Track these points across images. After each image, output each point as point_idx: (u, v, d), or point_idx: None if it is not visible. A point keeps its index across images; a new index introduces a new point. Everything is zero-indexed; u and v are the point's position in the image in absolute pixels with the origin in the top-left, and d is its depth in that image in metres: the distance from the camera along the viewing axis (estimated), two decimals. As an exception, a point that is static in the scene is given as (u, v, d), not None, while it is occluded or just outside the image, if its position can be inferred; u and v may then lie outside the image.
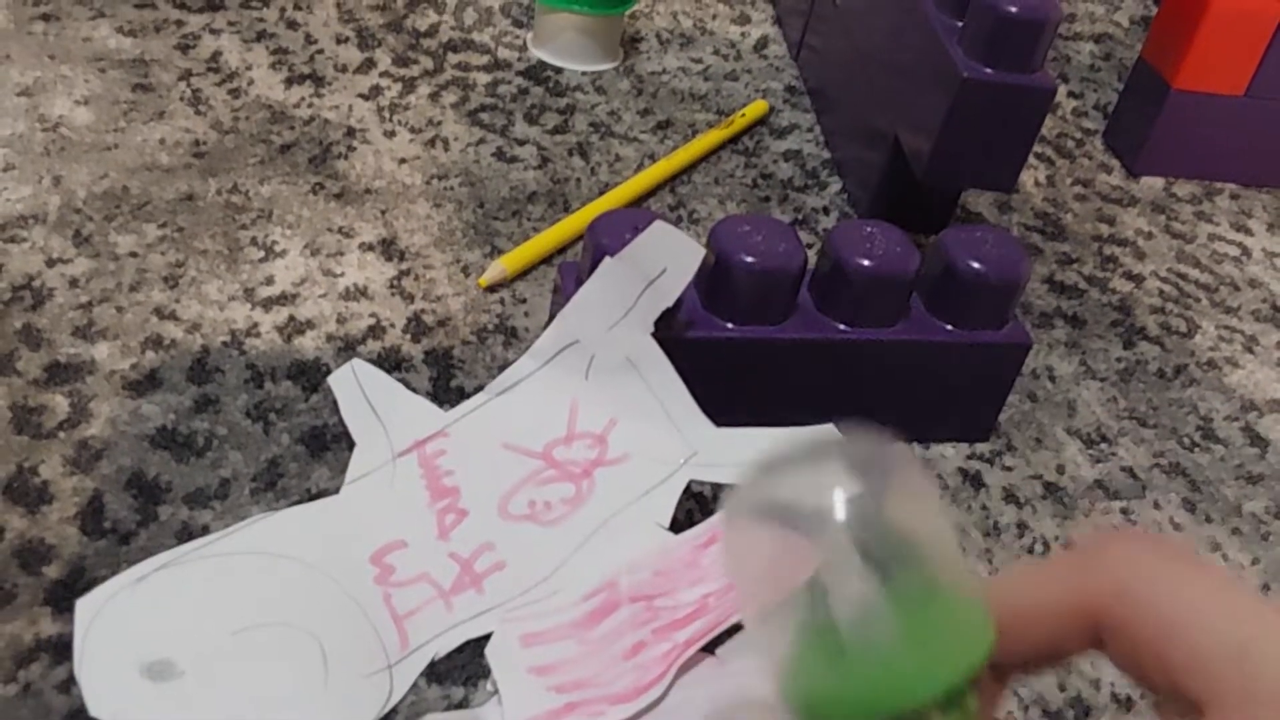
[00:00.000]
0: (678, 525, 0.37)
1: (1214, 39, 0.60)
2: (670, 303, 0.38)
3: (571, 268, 0.42)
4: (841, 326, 0.41)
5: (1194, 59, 0.61)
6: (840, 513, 0.23)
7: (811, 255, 0.50)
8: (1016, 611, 0.22)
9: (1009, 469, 0.44)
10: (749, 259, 0.39)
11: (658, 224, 0.38)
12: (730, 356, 0.40)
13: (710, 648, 0.34)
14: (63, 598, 0.33)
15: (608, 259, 0.38)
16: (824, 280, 0.41)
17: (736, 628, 0.34)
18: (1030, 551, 0.41)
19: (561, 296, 0.41)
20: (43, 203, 0.47)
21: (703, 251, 0.38)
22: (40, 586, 0.34)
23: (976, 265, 0.41)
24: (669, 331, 0.39)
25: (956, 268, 0.41)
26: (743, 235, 0.40)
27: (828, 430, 0.26)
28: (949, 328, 0.42)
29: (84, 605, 0.33)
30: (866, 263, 0.40)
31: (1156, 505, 0.44)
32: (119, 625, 0.32)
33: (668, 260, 0.38)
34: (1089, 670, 0.37)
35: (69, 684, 0.31)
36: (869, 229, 0.42)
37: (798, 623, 0.23)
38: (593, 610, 0.34)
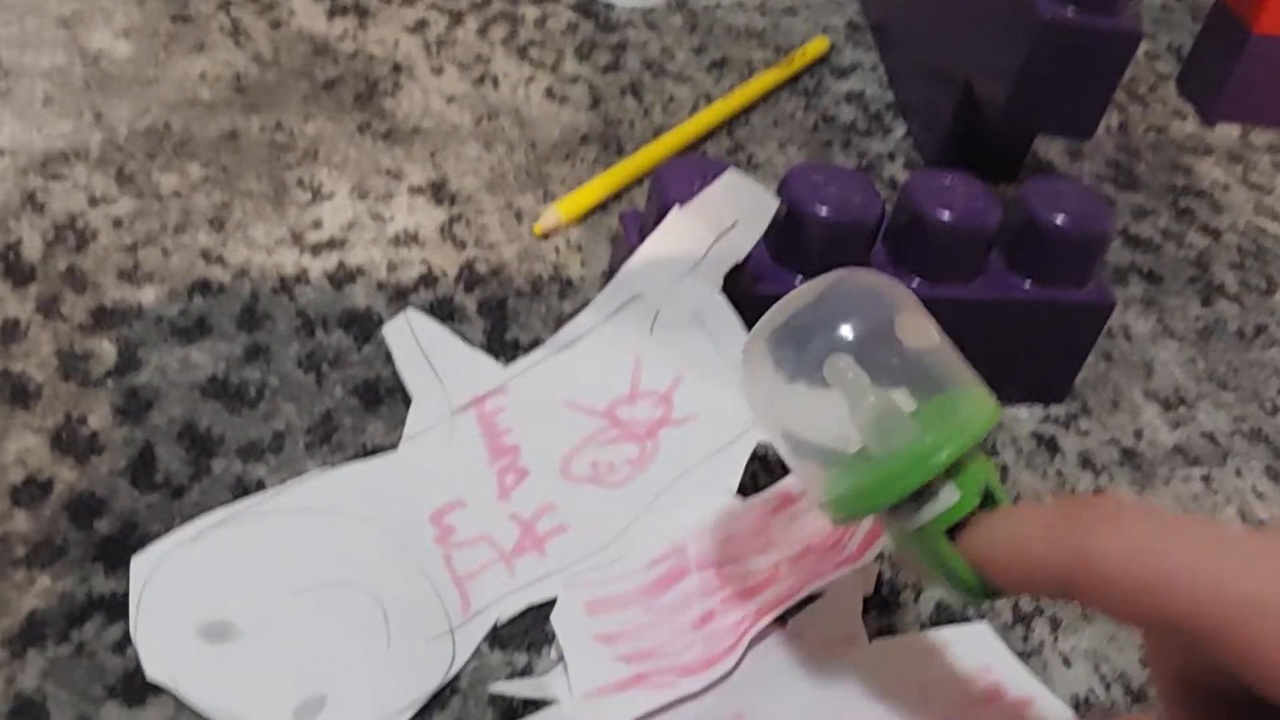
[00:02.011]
0: (745, 489, 0.36)
1: (1303, -20, 0.57)
2: (741, 257, 0.36)
3: (634, 217, 0.40)
4: (917, 282, 0.39)
5: (1277, 2, 0.58)
6: (849, 333, 0.27)
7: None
8: (1000, 550, 0.25)
9: (1085, 433, 0.42)
10: (823, 210, 0.37)
11: (730, 173, 0.36)
12: (801, 313, 0.38)
13: (782, 619, 0.33)
14: (115, 554, 0.32)
15: (675, 209, 0.37)
16: (900, 233, 0.39)
17: (810, 599, 0.33)
18: (1108, 520, 0.39)
19: (624, 247, 0.39)
20: (84, 139, 0.45)
21: (777, 203, 0.36)
22: (91, 542, 0.33)
23: (1060, 219, 0.39)
24: (737, 285, 0.37)
25: (1039, 221, 0.39)
26: (816, 185, 0.38)
27: (839, 273, 0.29)
28: (1028, 285, 0.40)
29: (139, 563, 0.32)
30: (946, 215, 0.38)
31: (1238, 473, 0.42)
32: (175, 584, 0.31)
33: (739, 212, 0.36)
34: (1171, 646, 0.36)
35: (124, 644, 0.30)
36: (948, 179, 0.39)
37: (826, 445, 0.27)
38: (660, 577, 0.33)
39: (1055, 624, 0.35)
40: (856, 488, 0.26)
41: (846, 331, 0.27)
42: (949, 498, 0.25)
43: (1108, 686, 0.34)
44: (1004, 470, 0.40)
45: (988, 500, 0.26)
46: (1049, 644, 0.35)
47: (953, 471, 0.25)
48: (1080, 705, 0.33)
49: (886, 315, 0.27)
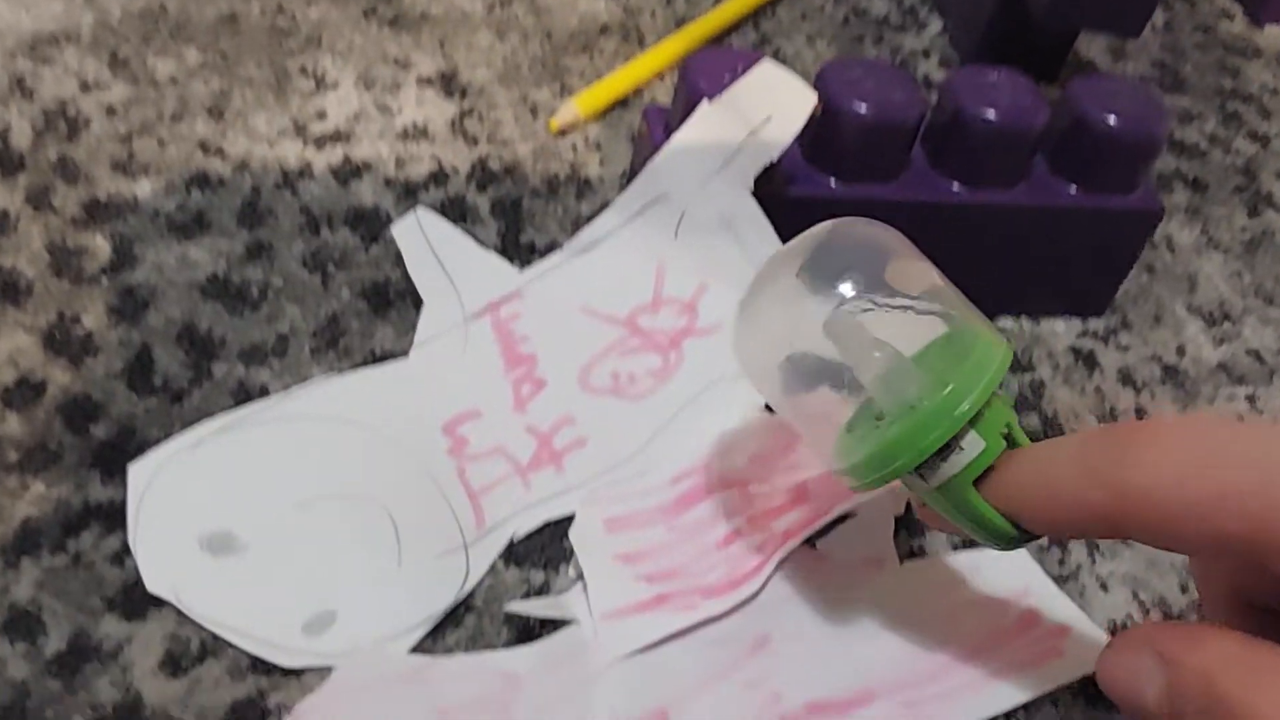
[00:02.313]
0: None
1: None
2: (776, 155, 0.34)
3: (659, 112, 0.37)
4: (956, 186, 0.37)
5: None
6: (848, 290, 0.25)
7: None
8: (1032, 491, 0.24)
9: (1125, 349, 0.40)
10: (862, 107, 0.35)
11: (765, 64, 0.34)
12: (835, 217, 0.36)
13: (810, 541, 0.31)
14: (112, 460, 0.31)
15: (705, 103, 0.34)
16: (940, 133, 0.37)
17: (838, 520, 0.32)
18: (1148, 440, 0.37)
19: (648, 145, 0.36)
20: (75, 20, 0.42)
21: (815, 97, 0.34)
22: (87, 447, 0.31)
23: (1112, 120, 0.37)
24: (767, 187, 0.35)
25: (1089, 122, 0.37)
26: (855, 80, 0.35)
27: (821, 228, 0.28)
28: (1074, 190, 0.38)
29: (137, 471, 0.30)
30: (991, 114, 0.36)
31: (1284, 393, 0.40)
32: (175, 493, 0.30)
33: (775, 106, 0.34)
34: (1210, 572, 0.34)
35: (123, 555, 0.29)
36: (993, 76, 0.37)
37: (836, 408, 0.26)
38: (682, 495, 0.32)
39: (1093, 548, 0.34)
40: (876, 452, 0.25)
41: (843, 288, 0.26)
42: (974, 447, 0.24)
43: (1146, 612, 0.33)
44: (1040, 386, 0.38)
45: (1009, 443, 0.25)
46: (1086, 568, 0.33)
47: (974, 419, 0.24)
48: (1117, 631, 0.32)
49: (879, 263, 0.26)
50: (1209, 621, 0.25)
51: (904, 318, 0.26)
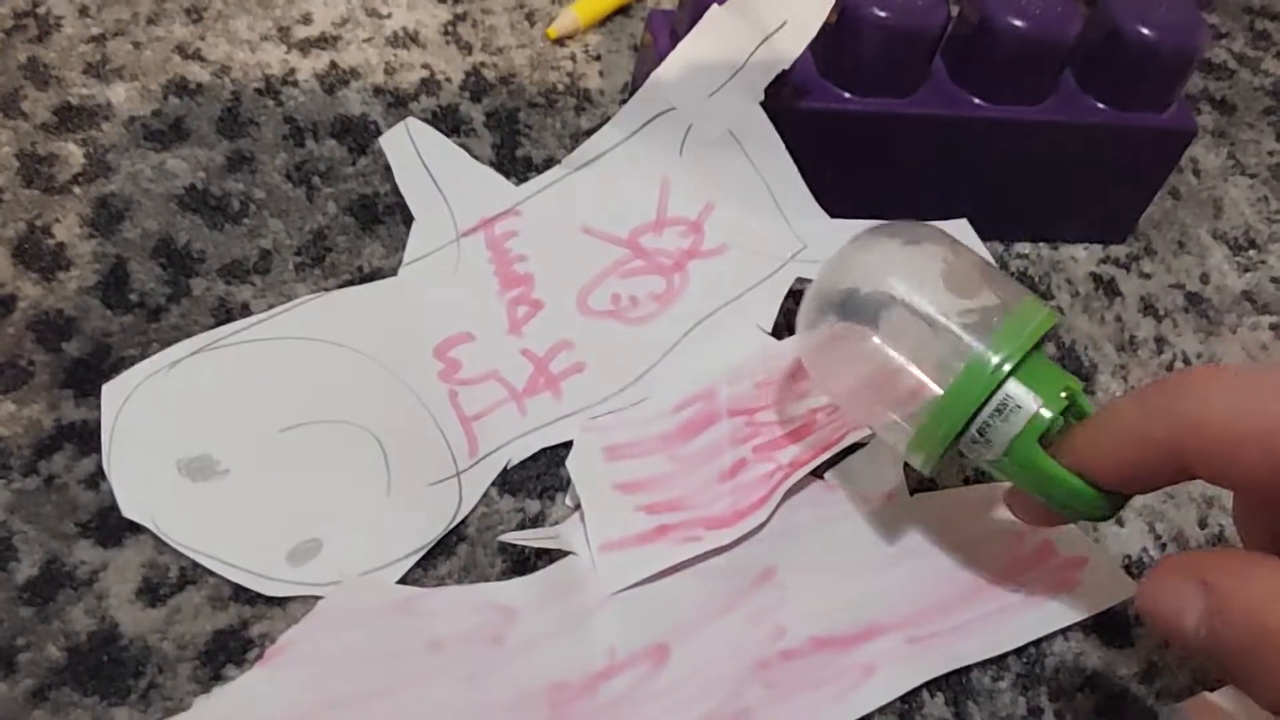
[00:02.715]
0: (780, 329, 0.32)
1: None
2: (789, 64, 0.32)
3: (664, 18, 0.35)
4: (979, 101, 0.35)
5: None
6: (898, 290, 0.26)
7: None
8: (1105, 444, 0.24)
9: (1147, 276, 0.39)
10: (881, 13, 0.32)
11: (779, -35, 0.32)
12: (850, 132, 0.34)
13: (818, 472, 0.30)
14: (86, 379, 0.29)
15: (714, 7, 0.32)
16: (963, 44, 0.35)
17: (847, 451, 0.30)
18: (1169, 369, 0.36)
19: (652, 53, 0.34)
20: (41, -87, 0.40)
21: (831, 1, 0.32)
22: (60, 365, 0.30)
23: (1147, 31, 0.34)
24: (777, 101, 0.33)
25: (1123, 33, 0.34)
26: (874, -15, 0.33)
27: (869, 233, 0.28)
28: (1103, 107, 0.36)
29: (111, 390, 0.29)
30: (1019, 23, 0.33)
31: (1310, 324, 0.39)
32: (152, 415, 0.28)
33: (788, 10, 0.31)
34: (1231, 505, 0.33)
35: (97, 478, 0.28)
36: (1022, -17, 0.35)
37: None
38: (686, 422, 0.30)
39: (1110, 481, 0.33)
40: (929, 421, 0.25)
41: (896, 290, 0.26)
42: (1028, 405, 0.25)
43: (1163, 546, 0.32)
44: (1059, 313, 0.37)
45: (1074, 413, 0.25)
46: (1102, 502, 0.32)
47: (1027, 382, 0.25)
48: (1133, 566, 0.31)
49: (932, 267, 0.27)
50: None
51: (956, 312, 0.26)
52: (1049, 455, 0.25)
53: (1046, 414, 0.25)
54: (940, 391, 0.25)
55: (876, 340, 0.26)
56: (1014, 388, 0.25)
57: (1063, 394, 0.25)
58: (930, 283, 0.26)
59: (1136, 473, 0.24)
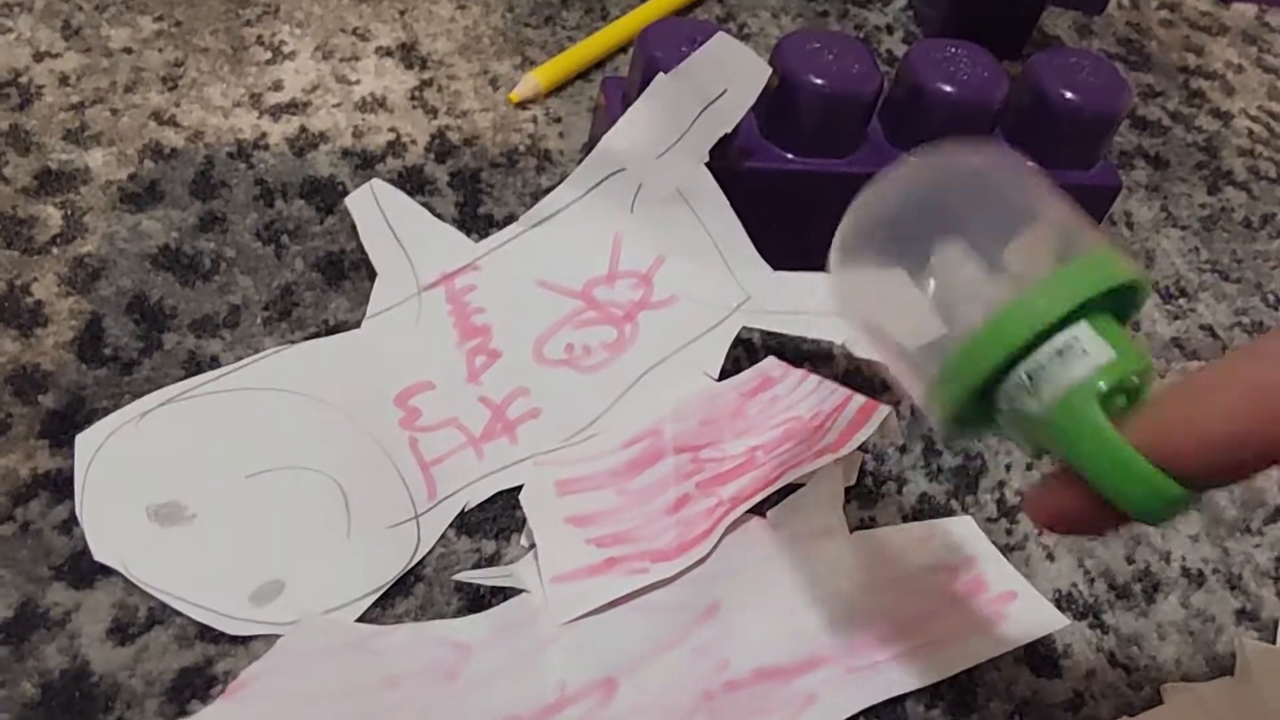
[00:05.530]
0: (727, 375, 0.34)
1: None
2: (730, 127, 0.34)
3: (617, 84, 0.37)
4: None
5: None
6: (969, 223, 0.21)
7: (875, 78, 0.46)
8: (1190, 428, 0.20)
9: (1080, 323, 0.41)
10: (819, 80, 0.35)
11: (720, 36, 0.34)
12: (790, 191, 0.36)
13: (761, 510, 0.31)
14: (61, 430, 0.31)
15: (661, 75, 0.34)
16: (898, 107, 0.37)
17: (790, 490, 0.32)
18: (1100, 414, 0.38)
19: (605, 117, 0.36)
20: (25, -12, 0.42)
21: (769, 71, 0.34)
22: (36, 417, 0.31)
23: (1071, 95, 0.37)
24: (723, 161, 0.35)
25: (1048, 97, 0.37)
26: (812, 53, 0.35)
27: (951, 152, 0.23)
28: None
29: (84, 440, 0.30)
30: (949, 88, 0.36)
31: (1236, 368, 0.40)
32: (123, 464, 0.30)
33: (729, 79, 0.33)
34: (1159, 543, 0.35)
35: (70, 524, 0.29)
36: (952, 49, 0.37)
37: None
38: (633, 459, 0.32)
39: (1042, 519, 0.34)
40: (969, 347, 0.20)
41: (967, 221, 0.22)
42: (1099, 352, 0.20)
43: (1091, 581, 0.33)
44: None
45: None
46: (1033, 538, 0.34)
47: (1102, 331, 0.20)
48: (1063, 600, 0.32)
49: (1015, 210, 0.22)
50: None
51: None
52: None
53: (1118, 370, 0.20)
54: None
55: (932, 260, 0.22)
56: (1083, 331, 0.20)
57: (1137, 367, 0.20)
58: (997, 221, 0.22)
59: (1230, 455, 0.19)
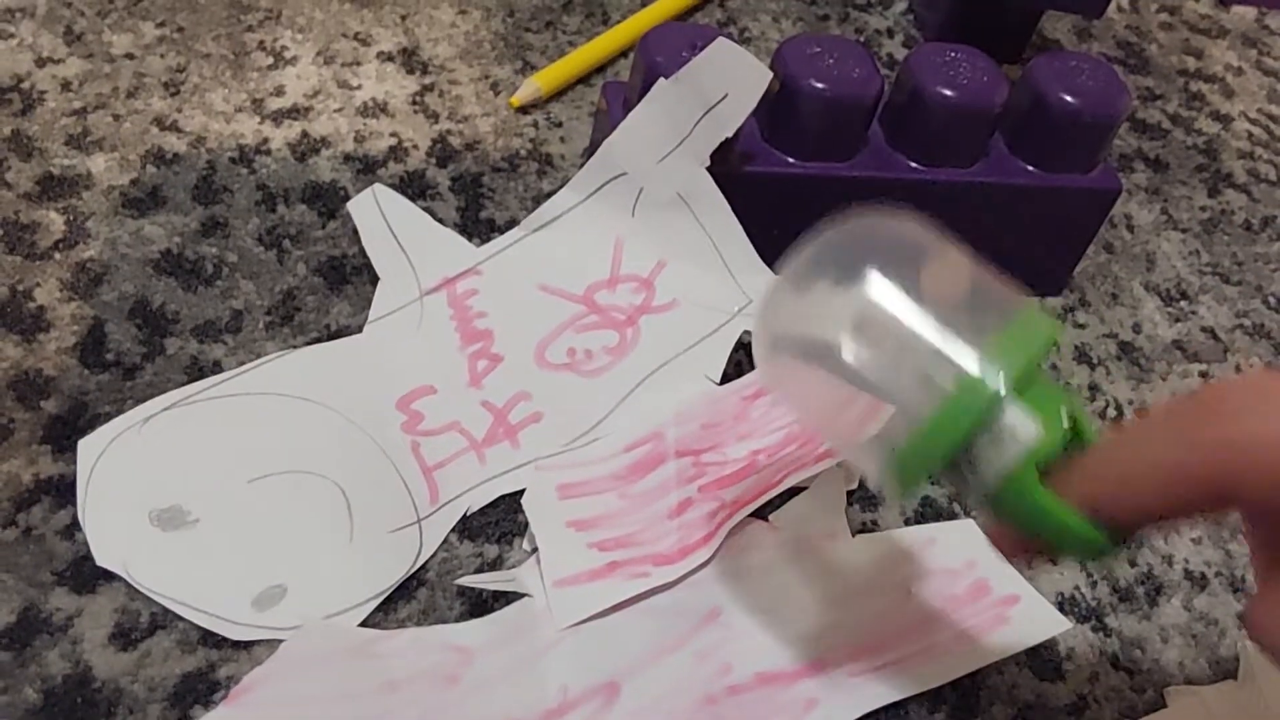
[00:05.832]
0: (728, 378, 0.34)
1: None
2: (731, 132, 0.34)
3: (618, 89, 0.37)
4: (914, 165, 0.37)
5: None
6: (871, 294, 0.23)
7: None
8: (1123, 475, 0.21)
9: (1082, 326, 0.41)
10: (819, 85, 0.35)
11: (720, 41, 0.34)
12: (792, 195, 0.36)
13: (763, 514, 0.31)
14: (63, 435, 0.31)
15: (662, 80, 0.34)
16: (899, 111, 0.37)
17: (792, 494, 0.32)
18: (1103, 416, 0.38)
19: (607, 121, 0.36)
20: (27, -6, 0.42)
21: (769, 75, 0.34)
22: (39, 422, 0.31)
23: (1070, 99, 0.37)
24: (724, 165, 0.35)
25: (1048, 101, 0.37)
26: (812, 57, 0.35)
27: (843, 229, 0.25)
28: (1031, 169, 0.38)
29: (86, 445, 0.30)
30: (949, 92, 0.36)
31: (1238, 370, 0.41)
32: (125, 468, 0.30)
33: (730, 84, 0.34)
34: (1161, 546, 0.35)
35: (73, 529, 0.29)
36: (952, 53, 0.37)
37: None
38: (635, 462, 0.32)
39: (1043, 522, 0.34)
40: (911, 443, 0.22)
41: (868, 293, 0.23)
42: (1028, 429, 0.21)
43: (1094, 585, 0.33)
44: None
45: (1076, 440, 0.22)
46: (1036, 542, 0.34)
47: (1027, 404, 0.22)
48: (1066, 603, 0.32)
49: (910, 271, 0.23)
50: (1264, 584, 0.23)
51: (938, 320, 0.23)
52: (1047, 488, 0.22)
53: (1048, 442, 0.21)
54: (924, 413, 0.22)
55: (846, 357, 0.23)
56: (1013, 412, 0.21)
57: (1064, 418, 0.22)
58: (909, 287, 0.23)
59: (1166, 508, 0.21)
